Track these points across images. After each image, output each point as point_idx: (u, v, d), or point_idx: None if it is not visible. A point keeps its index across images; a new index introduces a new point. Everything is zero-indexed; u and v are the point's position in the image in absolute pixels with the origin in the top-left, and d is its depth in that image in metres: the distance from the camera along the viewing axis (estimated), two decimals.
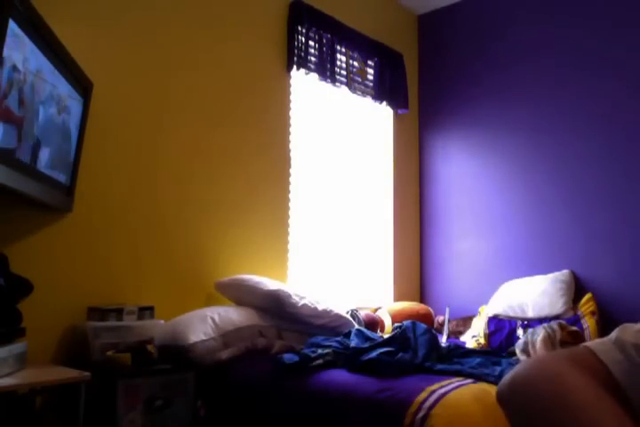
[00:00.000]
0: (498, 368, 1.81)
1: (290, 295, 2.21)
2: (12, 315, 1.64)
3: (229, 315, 2.13)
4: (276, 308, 2.22)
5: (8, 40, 1.40)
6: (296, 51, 2.92)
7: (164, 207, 2.37)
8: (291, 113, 2.96)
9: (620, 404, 0.47)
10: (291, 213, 2.91)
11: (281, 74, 2.92)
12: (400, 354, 1.89)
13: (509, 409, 0.52)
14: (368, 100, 3.40)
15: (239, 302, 2.36)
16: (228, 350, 2.03)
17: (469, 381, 1.71)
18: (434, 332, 2.19)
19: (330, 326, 2.32)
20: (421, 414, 1.49)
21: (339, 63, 3.20)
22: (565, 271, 2.97)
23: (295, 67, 2.92)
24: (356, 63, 3.33)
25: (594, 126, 3.00)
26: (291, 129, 2.95)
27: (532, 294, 2.87)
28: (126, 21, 2.28)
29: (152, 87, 2.36)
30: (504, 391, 0.53)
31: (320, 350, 1.96)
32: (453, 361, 1.95)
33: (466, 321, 3.08)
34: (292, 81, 2.98)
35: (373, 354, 1.86)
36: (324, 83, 3.09)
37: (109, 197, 2.20)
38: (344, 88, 3.23)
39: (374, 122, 3.53)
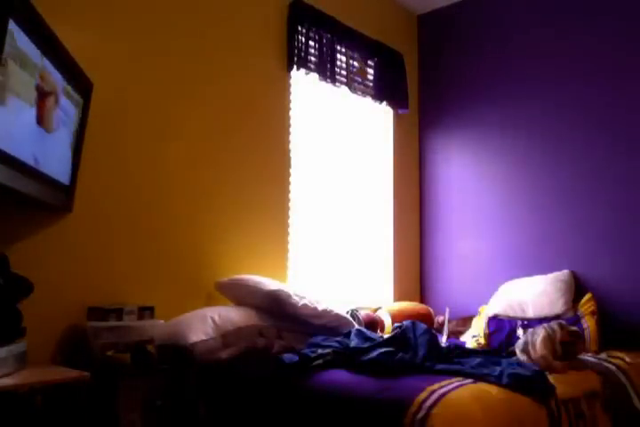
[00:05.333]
0: (498, 368, 1.81)
1: (290, 295, 2.21)
2: (12, 315, 1.64)
3: (229, 315, 2.13)
4: (276, 308, 2.22)
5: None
6: (296, 51, 2.92)
7: (164, 207, 2.37)
8: (291, 113, 2.96)
9: None
10: (291, 213, 2.91)
11: (281, 74, 2.92)
12: (400, 354, 1.89)
13: None
14: (368, 100, 3.40)
15: (239, 302, 2.36)
16: (228, 349, 2.03)
17: (469, 381, 1.71)
18: (434, 332, 2.19)
19: (330, 326, 2.32)
20: (422, 414, 1.49)
21: (339, 63, 3.19)
22: (565, 271, 2.97)
23: (295, 67, 2.92)
24: (356, 63, 3.33)
25: (595, 126, 3.00)
26: (291, 129, 2.95)
27: (532, 294, 2.87)
28: (126, 21, 2.28)
29: (152, 87, 2.36)
30: None
31: (320, 350, 1.96)
32: (453, 361, 1.95)
33: (466, 321, 3.08)
34: (291, 81, 2.97)
35: (373, 354, 1.86)
36: (324, 83, 3.09)
37: (109, 197, 2.20)
38: (344, 88, 3.22)
39: (374, 122, 3.53)
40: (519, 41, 3.33)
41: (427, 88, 3.77)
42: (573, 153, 3.06)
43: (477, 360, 1.93)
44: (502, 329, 2.82)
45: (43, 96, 1.65)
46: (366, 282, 3.37)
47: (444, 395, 1.56)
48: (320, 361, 1.89)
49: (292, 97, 2.97)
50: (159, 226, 2.35)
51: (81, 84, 1.95)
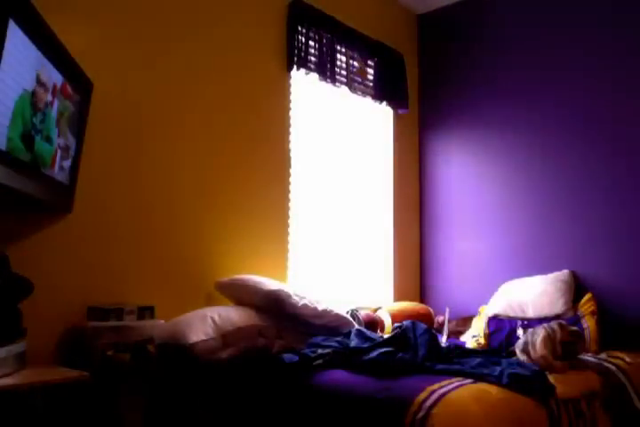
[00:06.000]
0: (498, 368, 1.81)
1: (290, 295, 2.21)
2: (12, 315, 1.64)
3: (229, 315, 2.13)
4: (276, 308, 2.22)
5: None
6: (296, 51, 2.92)
7: (163, 207, 2.37)
8: (291, 113, 2.96)
9: None
10: (291, 213, 2.91)
11: (281, 74, 2.91)
12: (400, 354, 1.89)
13: None
14: (368, 100, 3.40)
15: (239, 302, 2.36)
16: (228, 349, 2.03)
17: (469, 381, 1.71)
18: (434, 332, 2.19)
19: (330, 326, 2.32)
20: (422, 413, 1.49)
21: (339, 63, 3.19)
22: (565, 271, 2.97)
23: (295, 67, 2.92)
24: (356, 63, 3.33)
25: (595, 127, 3.00)
26: (291, 129, 2.95)
27: (532, 294, 2.87)
28: (126, 21, 2.28)
29: (152, 87, 2.36)
30: None
31: (320, 350, 1.96)
32: (453, 361, 1.95)
33: (466, 321, 3.08)
34: (291, 81, 2.97)
35: (373, 354, 1.86)
36: (323, 83, 3.09)
37: (109, 198, 2.20)
38: (344, 88, 3.22)
39: (374, 122, 3.53)
40: (520, 41, 3.33)
41: (427, 88, 3.77)
42: (573, 153, 3.06)
43: (477, 360, 1.93)
44: (502, 329, 2.82)
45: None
46: (366, 282, 3.36)
47: (444, 395, 1.56)
48: (320, 361, 1.89)
49: (292, 97, 2.97)
50: (159, 226, 2.35)
51: (81, 84, 1.95)
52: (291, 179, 2.92)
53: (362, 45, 3.34)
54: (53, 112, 1.74)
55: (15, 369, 1.61)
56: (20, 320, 1.66)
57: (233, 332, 2.06)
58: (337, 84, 3.16)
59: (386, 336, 2.15)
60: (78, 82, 1.92)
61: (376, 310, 3.08)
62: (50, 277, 1.97)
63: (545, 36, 3.22)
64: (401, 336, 2.08)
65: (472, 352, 2.18)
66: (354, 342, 2.08)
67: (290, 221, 2.90)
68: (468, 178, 3.49)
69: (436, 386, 1.62)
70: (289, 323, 2.27)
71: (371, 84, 3.42)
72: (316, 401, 1.74)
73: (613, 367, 2.21)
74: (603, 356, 2.37)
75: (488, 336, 2.84)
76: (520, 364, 1.94)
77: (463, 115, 3.55)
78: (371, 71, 3.43)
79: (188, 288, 2.42)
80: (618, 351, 2.44)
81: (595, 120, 3.00)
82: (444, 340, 2.66)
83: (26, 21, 1.51)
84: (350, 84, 3.26)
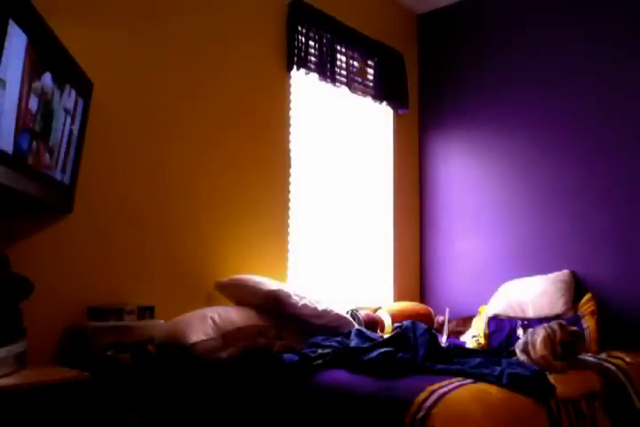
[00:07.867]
0: (498, 368, 1.81)
1: (290, 295, 2.21)
2: (12, 315, 1.64)
3: (229, 315, 2.13)
4: (275, 308, 2.22)
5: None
6: (296, 51, 2.92)
7: (164, 207, 2.37)
8: (291, 113, 2.96)
9: None
10: (291, 213, 2.91)
11: (281, 74, 2.91)
12: (400, 354, 1.89)
13: None
14: (368, 100, 3.40)
15: (239, 302, 2.36)
16: (228, 349, 2.03)
17: (469, 381, 1.71)
18: (434, 332, 2.19)
19: (330, 326, 2.32)
20: (422, 413, 1.49)
21: (339, 63, 3.19)
22: (565, 271, 2.97)
23: (295, 67, 2.92)
24: (356, 63, 3.33)
25: (595, 127, 2.99)
26: (291, 129, 2.95)
27: (532, 294, 2.87)
28: (126, 22, 2.28)
29: (152, 87, 2.36)
30: None
31: (320, 350, 1.96)
32: (453, 361, 1.95)
33: (466, 321, 3.08)
34: (291, 81, 2.97)
35: (374, 354, 1.86)
36: (323, 83, 3.09)
37: (109, 198, 2.20)
38: (344, 88, 3.22)
39: (374, 122, 3.53)
40: (520, 41, 3.33)
41: (427, 88, 3.77)
42: (573, 153, 3.06)
43: (477, 360, 1.93)
44: (502, 329, 2.82)
45: None
46: (366, 282, 3.36)
47: (444, 395, 1.56)
48: (320, 361, 1.89)
49: (292, 97, 2.97)
50: (159, 226, 2.35)
51: (81, 84, 1.95)
52: (291, 179, 2.92)
53: (362, 45, 3.34)
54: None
55: (15, 369, 1.61)
56: (20, 320, 1.66)
57: (233, 332, 2.06)
58: (337, 84, 3.16)
59: (386, 336, 2.15)
60: (78, 82, 1.92)
61: (376, 310, 3.08)
62: (50, 277, 1.97)
63: (546, 37, 3.22)
64: (401, 336, 2.08)
65: (472, 352, 2.18)
66: (354, 342, 2.08)
67: (290, 222, 2.90)
68: (468, 178, 3.49)
69: (436, 386, 1.62)
70: (289, 323, 2.27)
71: (371, 84, 3.42)
72: (316, 401, 1.73)
73: (613, 367, 2.21)
74: (603, 356, 2.37)
75: (488, 336, 2.84)
76: (520, 364, 1.94)
77: (463, 115, 3.55)
78: (371, 71, 3.43)
79: (188, 288, 2.42)
80: (618, 351, 2.44)
81: (595, 121, 3.00)
82: (443, 340, 2.66)
83: (26, 21, 1.50)
84: (350, 84, 3.26)
